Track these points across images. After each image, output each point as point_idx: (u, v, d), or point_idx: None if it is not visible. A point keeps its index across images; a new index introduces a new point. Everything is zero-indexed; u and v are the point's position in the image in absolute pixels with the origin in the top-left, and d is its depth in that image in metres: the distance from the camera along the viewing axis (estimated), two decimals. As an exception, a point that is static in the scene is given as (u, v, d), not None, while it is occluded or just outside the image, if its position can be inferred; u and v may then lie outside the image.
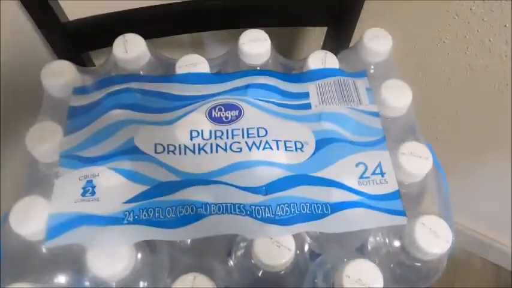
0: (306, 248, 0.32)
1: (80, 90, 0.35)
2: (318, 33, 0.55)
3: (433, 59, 0.57)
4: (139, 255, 0.30)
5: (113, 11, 0.49)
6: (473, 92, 0.61)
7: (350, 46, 0.45)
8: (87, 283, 0.30)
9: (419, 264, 0.32)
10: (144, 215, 0.29)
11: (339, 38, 0.52)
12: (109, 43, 0.49)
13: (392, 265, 0.33)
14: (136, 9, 0.49)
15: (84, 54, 0.51)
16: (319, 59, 0.38)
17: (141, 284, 0.31)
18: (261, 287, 0.32)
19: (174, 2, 0.51)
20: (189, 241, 0.33)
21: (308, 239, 0.34)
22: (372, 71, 0.40)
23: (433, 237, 0.30)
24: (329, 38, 0.54)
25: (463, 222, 0.89)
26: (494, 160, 0.70)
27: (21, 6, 0.45)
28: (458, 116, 0.65)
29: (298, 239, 0.31)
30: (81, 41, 0.50)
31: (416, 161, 0.33)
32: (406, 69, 0.41)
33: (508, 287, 0.94)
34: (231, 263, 0.32)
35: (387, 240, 0.34)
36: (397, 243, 0.33)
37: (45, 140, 0.32)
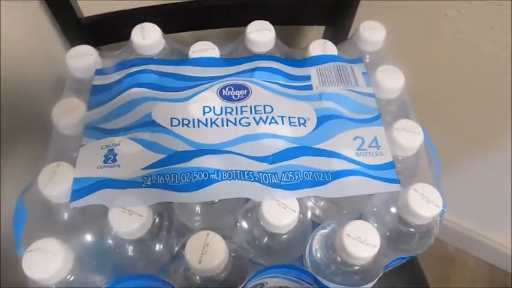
0: (309, 215, 0.35)
1: (102, 72, 0.39)
2: (317, 29, 0.59)
3: (424, 56, 0.61)
4: (156, 217, 0.33)
5: (123, 9, 0.53)
6: (467, 90, 0.64)
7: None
8: (110, 241, 0.32)
9: (413, 229, 0.35)
10: (161, 180, 0.32)
11: (336, 36, 0.56)
12: (119, 38, 0.53)
13: (388, 233, 0.36)
14: (146, 7, 0.53)
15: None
16: (320, 46, 0.41)
17: (157, 244, 0.33)
18: (266, 251, 0.35)
19: (181, 1, 0.55)
20: (199, 208, 0.36)
21: (310, 207, 0.36)
22: (367, 60, 0.43)
23: (425, 202, 0.33)
24: (327, 36, 0.57)
25: (457, 220, 0.92)
26: (493, 158, 0.73)
27: (42, 3, 0.49)
28: (454, 113, 0.68)
29: (302, 206, 0.33)
30: (94, 36, 0.54)
31: (409, 136, 0.36)
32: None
33: (502, 286, 0.96)
34: (240, 226, 0.34)
35: (383, 210, 0.36)
36: (392, 212, 0.35)
37: (70, 113, 0.35)
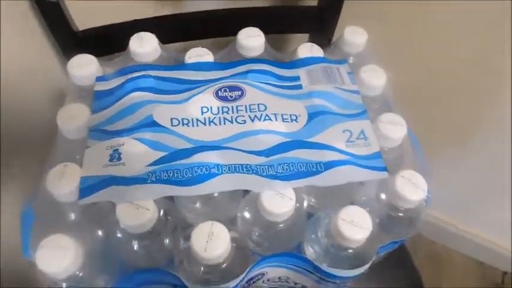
0: (305, 204, 0.37)
1: (103, 78, 0.41)
2: (302, 37, 0.62)
3: (410, 58, 0.64)
4: (161, 212, 0.34)
5: (118, 22, 0.55)
6: (456, 87, 0.67)
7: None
8: (118, 237, 0.34)
9: (401, 214, 0.37)
10: (165, 175, 0.34)
11: (320, 42, 0.60)
12: (115, 50, 0.55)
13: (379, 219, 0.38)
14: (140, 19, 0.55)
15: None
16: (307, 49, 0.45)
17: (163, 238, 0.35)
18: (266, 240, 0.37)
19: (174, 13, 0.58)
20: (200, 202, 0.37)
21: (306, 197, 0.39)
22: (350, 61, 0.46)
23: (411, 187, 0.36)
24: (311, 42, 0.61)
25: (445, 217, 0.95)
26: (490, 160, 0.75)
27: (38, 16, 0.51)
28: (447, 111, 0.71)
29: (298, 195, 0.36)
30: (90, 48, 0.56)
31: (393, 128, 0.39)
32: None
33: (493, 283, 0.98)
34: (240, 218, 0.36)
35: (373, 198, 0.39)
36: (382, 199, 0.38)
37: (75, 118, 0.37)
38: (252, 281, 0.38)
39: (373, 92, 0.43)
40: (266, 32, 0.60)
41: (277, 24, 0.60)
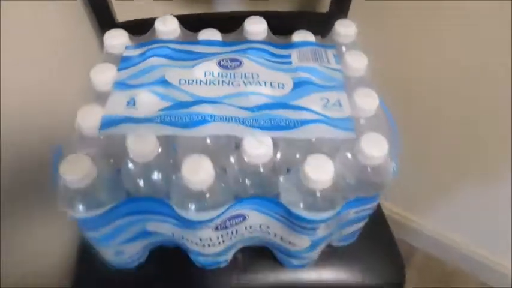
0: (279, 155, 0.43)
1: (130, 47, 0.50)
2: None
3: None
4: (162, 149, 0.42)
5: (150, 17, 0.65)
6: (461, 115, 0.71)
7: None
8: (127, 164, 0.42)
9: (368, 171, 0.43)
10: (168, 119, 0.42)
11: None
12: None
13: (348, 180, 0.44)
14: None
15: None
16: (301, 35, 0.52)
17: (162, 170, 0.42)
18: (247, 184, 0.43)
19: (197, 13, 0.67)
20: (196, 149, 0.45)
21: (285, 155, 0.45)
22: (343, 50, 0.53)
23: (373, 145, 0.41)
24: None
25: (453, 237, 0.96)
26: (493, 179, 0.78)
27: (85, 8, 0.62)
28: (455, 139, 0.75)
29: (275, 147, 0.42)
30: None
31: (366, 99, 0.45)
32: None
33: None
34: (228, 163, 0.43)
35: (345, 157, 0.45)
36: (351, 158, 0.44)
37: (104, 73, 0.46)
38: (233, 221, 0.45)
39: (355, 73, 0.49)
40: (279, 33, 0.68)
41: (287, 26, 0.69)
